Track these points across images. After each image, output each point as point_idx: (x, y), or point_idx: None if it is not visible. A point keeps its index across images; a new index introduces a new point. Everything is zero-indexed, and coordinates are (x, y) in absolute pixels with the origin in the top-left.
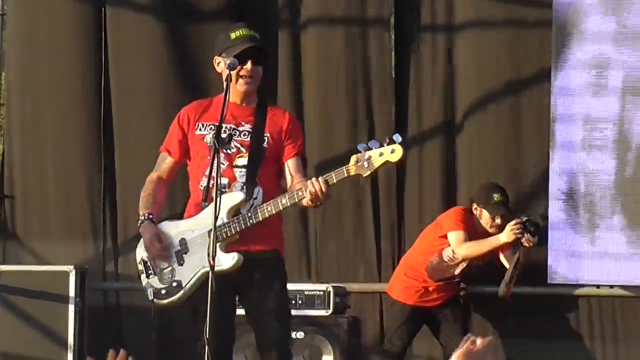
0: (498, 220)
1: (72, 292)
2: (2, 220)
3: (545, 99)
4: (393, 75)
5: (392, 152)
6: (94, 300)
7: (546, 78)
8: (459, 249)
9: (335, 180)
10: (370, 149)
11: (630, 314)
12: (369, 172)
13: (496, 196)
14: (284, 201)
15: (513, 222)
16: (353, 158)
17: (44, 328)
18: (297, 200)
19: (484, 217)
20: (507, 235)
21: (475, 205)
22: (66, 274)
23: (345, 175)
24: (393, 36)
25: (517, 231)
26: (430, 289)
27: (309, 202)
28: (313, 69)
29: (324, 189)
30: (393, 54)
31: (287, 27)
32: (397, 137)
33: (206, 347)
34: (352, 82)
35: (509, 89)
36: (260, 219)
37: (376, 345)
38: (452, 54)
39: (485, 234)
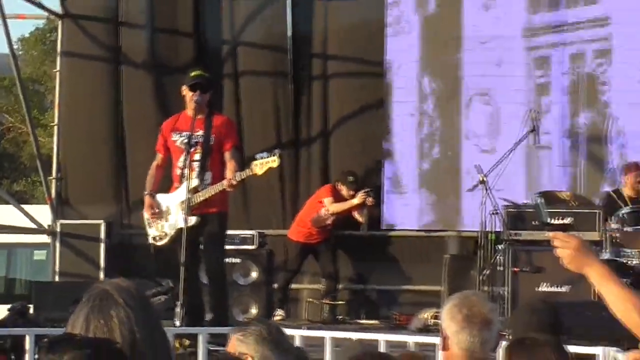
0: (352, 192)
1: (102, 236)
2: (60, 192)
3: (381, 119)
4: (292, 106)
5: (273, 161)
6: (115, 240)
7: (381, 105)
8: (330, 207)
9: (244, 177)
10: (263, 157)
11: (421, 245)
12: (261, 172)
13: (350, 178)
14: (215, 188)
15: (361, 191)
16: (252, 163)
17: (87, 257)
18: (222, 188)
19: (344, 190)
20: (358, 199)
21: (339, 184)
22: (99, 225)
23: (249, 173)
24: (291, 84)
25: (364, 196)
26: (313, 232)
27: (229, 189)
28: (245, 100)
29: (234, 183)
30: (292, 94)
31: (229, 77)
32: (277, 151)
33: (182, 267)
34: (269, 109)
35: (360, 113)
36: (202, 199)
37: (283, 265)
38: (326, 93)
39: (345, 200)
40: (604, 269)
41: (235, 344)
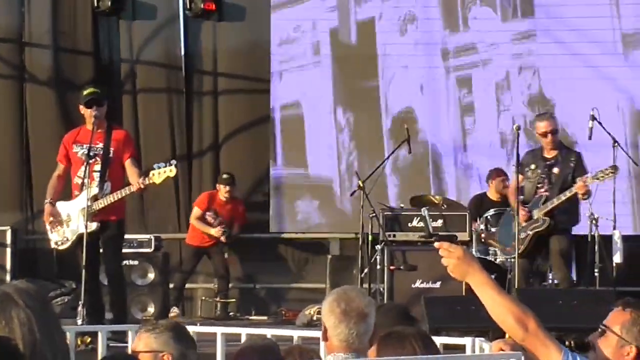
0: (227, 189)
1: (9, 241)
2: None
3: (266, 132)
4: (184, 120)
5: (171, 171)
6: (21, 245)
7: (267, 119)
8: (192, 221)
9: (145, 185)
10: (160, 167)
11: (306, 246)
12: (159, 181)
13: (224, 175)
14: (118, 195)
15: (219, 227)
16: (150, 172)
17: None
18: (126, 194)
19: (221, 189)
20: (215, 232)
21: (217, 185)
22: (5, 231)
23: (148, 182)
24: (184, 100)
25: (220, 232)
26: (205, 237)
27: (139, 192)
28: (142, 115)
29: (142, 187)
30: (185, 109)
31: (128, 93)
32: (173, 162)
33: (83, 270)
34: (164, 123)
35: (248, 126)
36: (102, 206)
37: (178, 266)
38: (217, 107)
39: (225, 203)
40: (484, 277)
41: (149, 341)
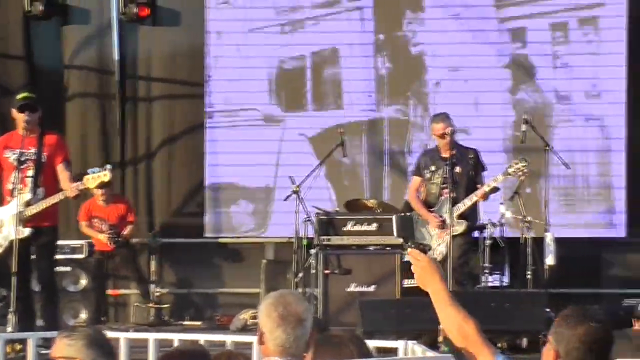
0: (102, 192)
1: None
2: None
3: (200, 138)
4: (118, 126)
5: (105, 175)
6: None
7: (201, 128)
8: (82, 228)
9: (80, 189)
10: (94, 172)
11: (241, 251)
12: (93, 186)
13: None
14: (52, 200)
15: (108, 233)
16: (84, 177)
17: None
18: (60, 199)
19: (95, 194)
20: (103, 237)
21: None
22: None
23: (82, 187)
24: (118, 106)
25: (108, 237)
26: (104, 242)
27: (73, 198)
28: (75, 121)
29: (70, 194)
30: (119, 116)
31: (61, 98)
32: (108, 166)
33: (14, 277)
34: (97, 130)
35: (184, 134)
36: (35, 212)
37: (112, 271)
38: (151, 113)
39: (104, 207)
40: (441, 287)
41: (63, 347)
